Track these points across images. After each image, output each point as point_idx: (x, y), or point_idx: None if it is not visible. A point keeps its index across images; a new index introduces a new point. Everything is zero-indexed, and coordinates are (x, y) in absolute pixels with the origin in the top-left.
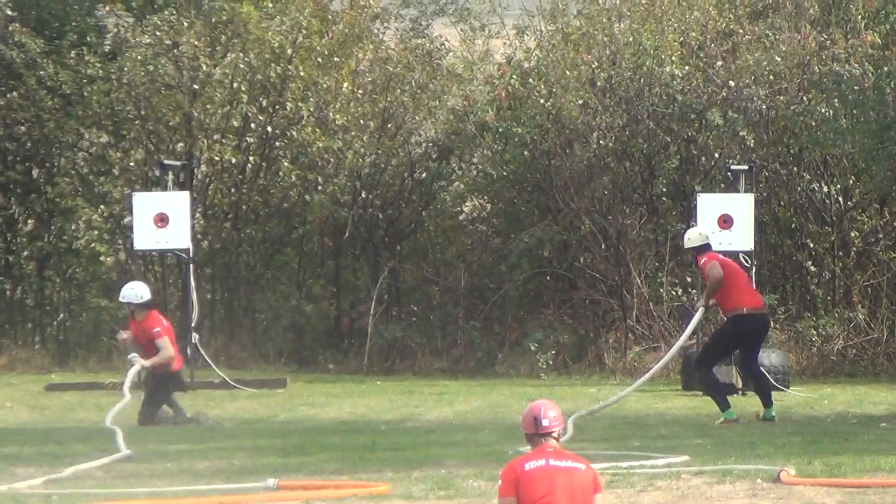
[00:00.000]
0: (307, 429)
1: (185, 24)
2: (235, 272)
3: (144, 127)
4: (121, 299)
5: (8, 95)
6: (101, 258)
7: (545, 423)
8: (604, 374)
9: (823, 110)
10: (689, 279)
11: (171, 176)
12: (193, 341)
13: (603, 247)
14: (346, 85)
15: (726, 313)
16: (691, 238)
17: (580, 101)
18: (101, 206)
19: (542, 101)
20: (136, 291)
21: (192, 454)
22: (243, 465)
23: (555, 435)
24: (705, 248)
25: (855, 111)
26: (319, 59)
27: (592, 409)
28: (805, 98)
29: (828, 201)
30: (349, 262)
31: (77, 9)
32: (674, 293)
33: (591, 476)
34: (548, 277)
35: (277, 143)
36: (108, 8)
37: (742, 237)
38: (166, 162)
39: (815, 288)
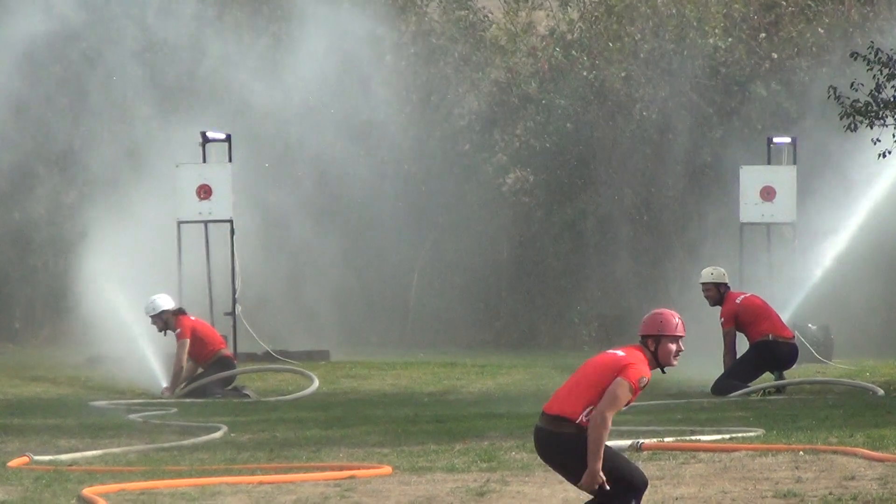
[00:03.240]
0: (350, 401)
1: None
2: (279, 244)
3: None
4: (146, 312)
5: None
6: None
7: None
8: None
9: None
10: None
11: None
12: (237, 312)
13: (646, 219)
14: (388, 57)
15: (752, 342)
16: (706, 275)
17: (623, 74)
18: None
19: (584, 73)
20: (153, 304)
21: (235, 426)
22: (286, 438)
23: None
24: (723, 286)
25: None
26: (360, 32)
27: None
28: (847, 70)
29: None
30: (392, 234)
31: None
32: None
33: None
34: (591, 249)
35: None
36: None
37: (784, 209)
38: (210, 134)
39: None
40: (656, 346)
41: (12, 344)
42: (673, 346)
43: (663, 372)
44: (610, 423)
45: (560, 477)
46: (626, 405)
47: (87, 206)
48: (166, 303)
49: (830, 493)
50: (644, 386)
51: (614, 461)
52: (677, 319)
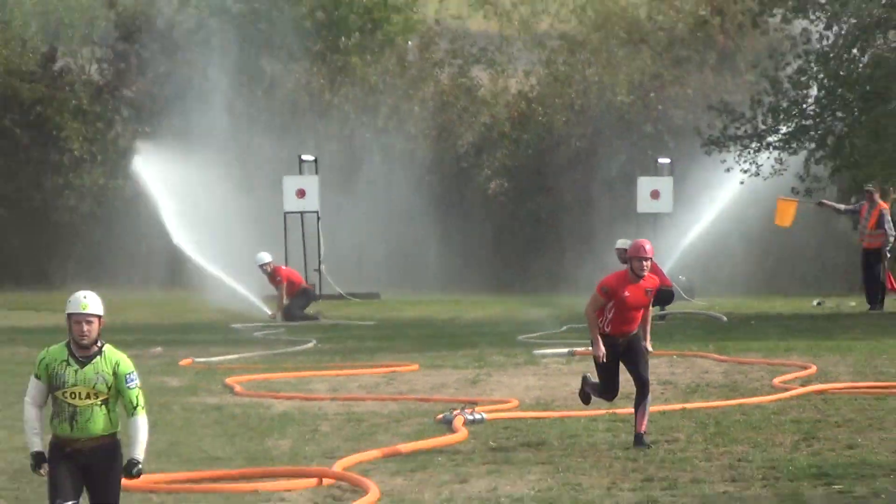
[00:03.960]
0: (392, 325)
1: (315, 69)
2: (345, 227)
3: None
4: (256, 263)
5: None
6: None
7: (650, 248)
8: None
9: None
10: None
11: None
12: (321, 269)
13: (578, 211)
14: (416, 108)
15: None
16: (621, 243)
17: (564, 119)
18: None
19: (539, 118)
20: (259, 258)
21: (321, 340)
22: (352, 347)
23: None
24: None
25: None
26: (399, 91)
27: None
28: (705, 117)
29: None
30: (419, 217)
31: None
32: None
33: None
34: (544, 230)
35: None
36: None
37: (665, 204)
38: (303, 157)
39: None
40: (632, 262)
41: (182, 289)
42: (642, 263)
43: (639, 279)
44: (589, 314)
45: (526, 370)
46: (604, 304)
47: (233, 204)
48: (267, 257)
49: (693, 381)
50: (606, 291)
51: (602, 367)
52: (648, 246)
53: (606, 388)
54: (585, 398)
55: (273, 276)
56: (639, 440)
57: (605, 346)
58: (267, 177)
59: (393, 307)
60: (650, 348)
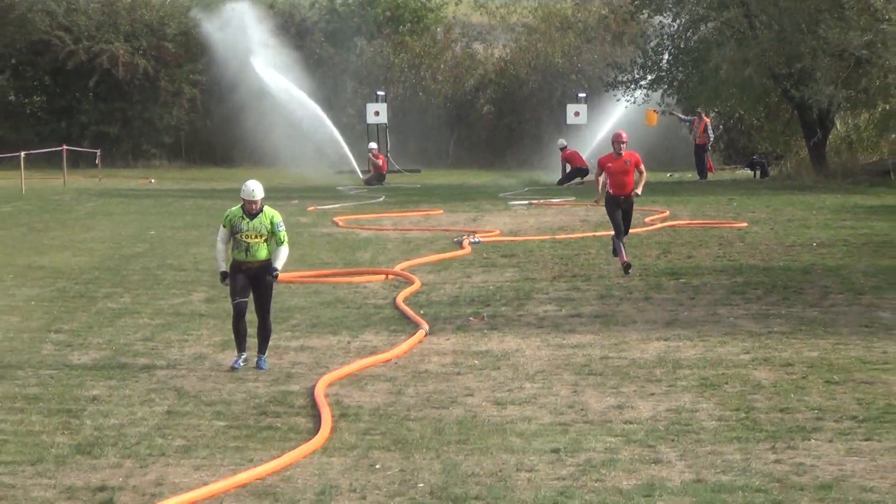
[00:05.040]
0: (427, 187)
1: (385, 43)
2: (401, 131)
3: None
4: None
5: None
6: None
7: (625, 136)
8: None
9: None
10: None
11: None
12: (388, 155)
13: (535, 124)
14: (442, 65)
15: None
16: (560, 142)
17: (525, 72)
18: None
19: (512, 72)
20: (370, 146)
21: (387, 196)
22: (403, 200)
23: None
24: (565, 148)
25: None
26: (431, 56)
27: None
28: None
29: None
30: (443, 127)
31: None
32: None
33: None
34: (522, 137)
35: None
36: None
37: (583, 119)
38: (378, 92)
39: None
40: (613, 145)
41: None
42: (620, 145)
43: (619, 156)
44: (597, 180)
45: (504, 213)
46: (602, 173)
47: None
48: (374, 146)
49: (602, 220)
50: (599, 164)
51: (610, 215)
52: (624, 135)
53: (616, 229)
54: (616, 252)
55: (374, 158)
56: (627, 268)
57: (612, 202)
58: (354, 104)
59: (427, 177)
60: (638, 193)
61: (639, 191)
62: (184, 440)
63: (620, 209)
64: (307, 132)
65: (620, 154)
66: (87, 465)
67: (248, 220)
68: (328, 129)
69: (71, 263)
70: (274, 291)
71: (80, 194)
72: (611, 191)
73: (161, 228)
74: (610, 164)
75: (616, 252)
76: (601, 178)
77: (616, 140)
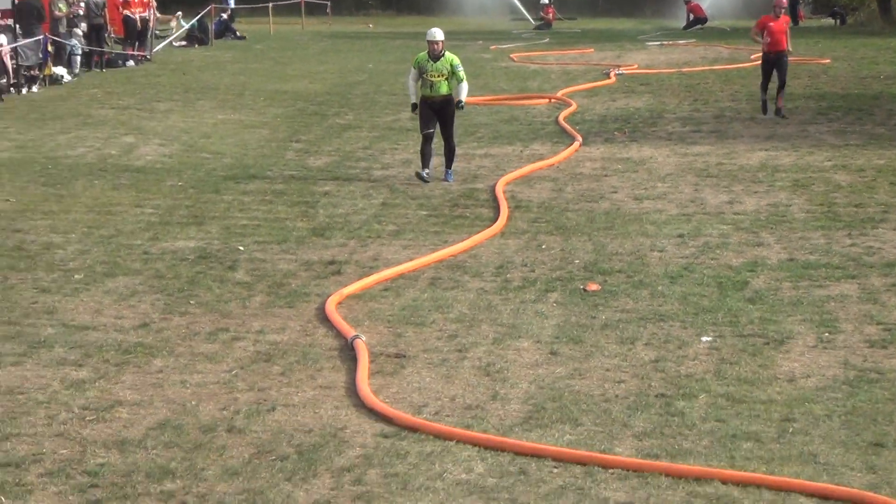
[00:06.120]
0: (581, 30)
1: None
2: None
3: None
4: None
5: None
6: None
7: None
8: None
9: None
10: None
11: None
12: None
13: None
14: None
15: None
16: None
17: None
18: None
19: None
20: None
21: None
22: (561, 41)
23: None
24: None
25: None
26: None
27: None
28: None
29: None
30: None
31: None
32: None
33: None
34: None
35: None
36: None
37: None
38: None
39: None
40: (774, 10)
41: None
42: (780, 9)
43: (778, 17)
44: (753, 34)
45: (641, 49)
46: (759, 31)
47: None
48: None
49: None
50: (757, 23)
51: (763, 68)
52: (785, 1)
53: (765, 79)
54: (764, 107)
55: (545, 12)
56: (778, 112)
57: (766, 59)
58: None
59: (582, 23)
60: (790, 49)
61: (790, 48)
62: (394, 225)
63: (774, 65)
64: None
65: (779, 17)
66: (320, 244)
67: (432, 62)
68: None
69: (308, 89)
70: (456, 120)
71: (314, 36)
72: (766, 48)
73: (377, 63)
74: (771, 24)
75: (764, 109)
76: (765, 38)
77: (777, 4)
